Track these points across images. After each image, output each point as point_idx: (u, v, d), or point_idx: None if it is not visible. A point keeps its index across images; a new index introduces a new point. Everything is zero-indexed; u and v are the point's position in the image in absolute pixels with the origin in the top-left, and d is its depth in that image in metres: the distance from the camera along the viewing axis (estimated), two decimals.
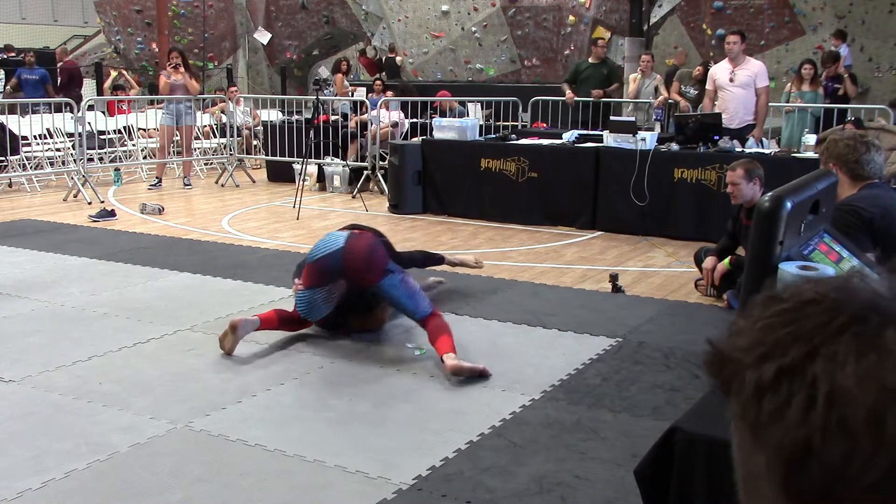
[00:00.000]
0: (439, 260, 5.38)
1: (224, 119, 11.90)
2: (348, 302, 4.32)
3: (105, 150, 11.16)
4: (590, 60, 10.39)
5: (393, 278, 4.19)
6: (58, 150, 10.48)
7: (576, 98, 10.32)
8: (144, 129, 11.78)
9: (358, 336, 4.49)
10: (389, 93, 11.55)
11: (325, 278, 4.20)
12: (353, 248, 4.21)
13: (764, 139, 8.29)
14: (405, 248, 5.58)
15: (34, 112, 10.52)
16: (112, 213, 8.14)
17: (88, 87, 16.79)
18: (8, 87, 13.16)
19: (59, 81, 13.95)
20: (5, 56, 15.02)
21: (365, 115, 10.36)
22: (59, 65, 14.85)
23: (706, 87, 8.17)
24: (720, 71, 7.86)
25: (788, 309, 0.54)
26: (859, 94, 10.46)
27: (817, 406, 0.49)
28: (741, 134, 7.67)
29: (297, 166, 9.79)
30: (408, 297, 4.18)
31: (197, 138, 11.17)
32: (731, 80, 7.72)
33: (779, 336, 0.52)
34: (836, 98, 10.09)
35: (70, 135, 10.24)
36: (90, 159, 10.23)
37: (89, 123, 10.54)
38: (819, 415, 0.49)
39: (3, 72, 15.23)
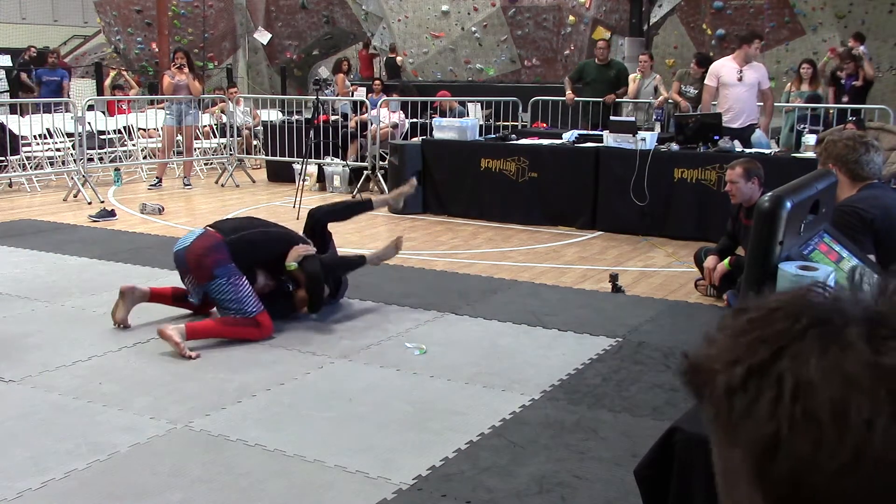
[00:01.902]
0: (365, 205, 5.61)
1: (224, 119, 11.90)
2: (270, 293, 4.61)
3: (105, 150, 11.16)
4: (596, 62, 10.37)
5: (218, 282, 4.36)
6: (58, 150, 10.47)
7: (577, 98, 10.32)
8: (144, 129, 11.78)
9: (358, 336, 4.49)
10: (394, 94, 11.55)
11: (179, 270, 4.54)
12: (193, 248, 4.44)
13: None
14: (405, 247, 5.57)
15: (45, 111, 10.49)
16: (112, 213, 8.14)
17: (88, 87, 16.80)
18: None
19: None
20: (26, 57, 14.98)
21: (365, 115, 10.36)
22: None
23: (706, 82, 8.09)
24: (727, 69, 7.82)
25: (755, 318, 0.57)
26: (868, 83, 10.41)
27: (784, 400, 0.51)
28: (743, 134, 7.66)
29: (297, 166, 9.79)
30: (232, 300, 4.36)
31: (197, 138, 11.17)
32: (740, 79, 7.70)
33: (747, 341, 0.55)
34: (853, 94, 10.05)
35: (70, 135, 10.24)
36: (90, 159, 10.23)
37: (89, 123, 10.54)
38: (786, 407, 0.51)
39: (2, 72, 15.22)
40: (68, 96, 12.04)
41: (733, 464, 0.55)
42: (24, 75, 12.72)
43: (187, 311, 4.82)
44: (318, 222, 5.16)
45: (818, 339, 0.52)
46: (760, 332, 0.55)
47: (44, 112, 10.49)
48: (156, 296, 4.79)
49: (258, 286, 4.52)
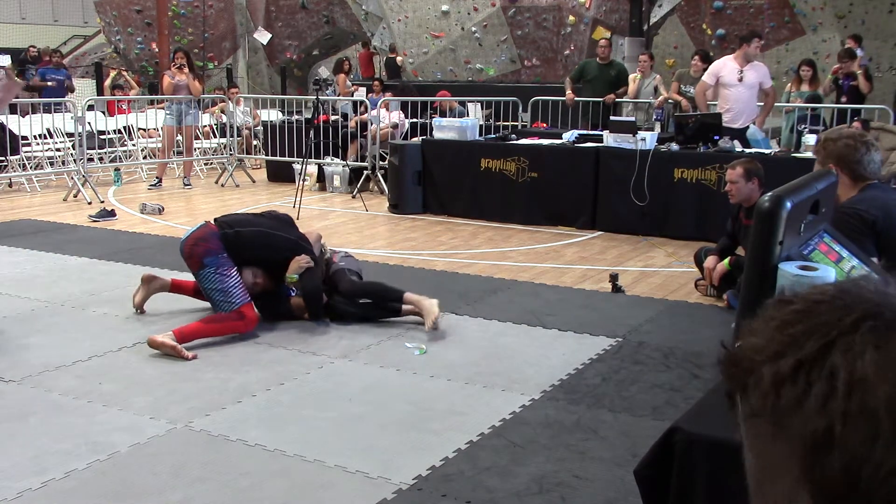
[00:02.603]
0: (396, 301, 4.80)
1: (224, 119, 11.90)
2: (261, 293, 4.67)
3: (105, 150, 11.16)
4: (597, 61, 10.37)
5: (206, 271, 4.43)
6: (58, 150, 10.47)
7: (577, 98, 10.31)
8: (144, 129, 11.78)
9: (358, 336, 4.49)
10: (389, 94, 11.55)
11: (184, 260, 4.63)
12: (189, 238, 4.56)
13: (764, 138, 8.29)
14: (405, 247, 5.56)
15: (45, 111, 10.50)
16: (112, 213, 8.14)
17: (88, 87, 16.80)
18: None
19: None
20: (28, 56, 15.01)
21: (365, 115, 10.36)
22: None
23: (705, 79, 8.04)
24: (727, 69, 7.80)
25: (800, 309, 0.55)
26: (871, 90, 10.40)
27: (837, 394, 0.50)
28: (743, 134, 7.66)
29: (297, 166, 9.80)
30: (218, 290, 4.42)
31: (197, 138, 11.17)
32: (741, 80, 7.69)
33: (793, 332, 0.54)
34: (851, 95, 10.05)
35: (70, 135, 10.24)
36: (90, 159, 10.23)
37: (89, 123, 10.54)
38: (839, 402, 0.50)
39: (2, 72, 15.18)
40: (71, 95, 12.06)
41: (777, 459, 0.53)
42: (36, 79, 12.72)
43: (206, 304, 4.76)
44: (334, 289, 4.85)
45: (871, 332, 0.51)
46: (807, 323, 0.54)
47: (44, 112, 10.49)
48: (176, 287, 4.97)
49: (246, 283, 4.53)
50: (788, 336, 0.54)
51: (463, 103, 11.73)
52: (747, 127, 7.74)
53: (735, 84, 7.70)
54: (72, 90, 12.54)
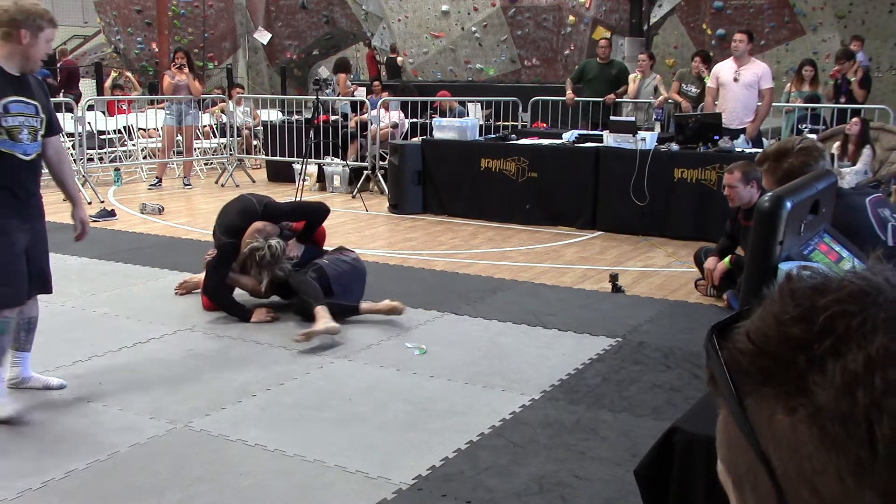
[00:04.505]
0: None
1: (224, 119, 11.90)
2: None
3: (105, 150, 11.16)
4: (597, 61, 10.38)
5: None
6: None
7: (577, 98, 10.31)
8: (144, 129, 11.78)
9: (358, 336, 4.49)
10: (387, 94, 11.54)
11: None
12: None
13: (764, 139, 8.28)
14: (405, 248, 5.56)
15: None
16: (112, 213, 8.14)
17: (88, 87, 16.79)
18: None
19: (58, 80, 13.97)
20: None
21: (365, 115, 10.36)
22: (58, 64, 14.87)
23: (708, 84, 8.11)
24: (724, 69, 7.82)
25: (833, 298, 0.53)
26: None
27: (880, 377, 0.48)
28: (739, 135, 7.65)
29: (297, 166, 9.80)
30: None
31: (197, 138, 11.17)
32: (736, 80, 7.69)
33: (827, 315, 0.51)
34: (850, 96, 10.06)
35: (70, 135, 10.24)
36: (90, 159, 10.23)
37: (89, 123, 10.54)
38: (884, 386, 0.48)
39: None
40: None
41: (821, 462, 0.50)
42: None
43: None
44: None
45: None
46: (838, 307, 0.51)
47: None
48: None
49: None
50: (821, 322, 0.51)
51: (463, 103, 11.73)
52: (744, 128, 7.73)
53: (730, 84, 7.71)
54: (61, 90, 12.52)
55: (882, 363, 0.49)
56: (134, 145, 11.67)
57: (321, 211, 5.11)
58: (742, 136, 7.61)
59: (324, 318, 4.39)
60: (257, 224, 4.79)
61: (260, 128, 11.85)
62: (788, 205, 1.79)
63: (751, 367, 0.54)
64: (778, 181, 2.72)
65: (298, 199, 4.83)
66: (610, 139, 7.74)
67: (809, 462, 0.51)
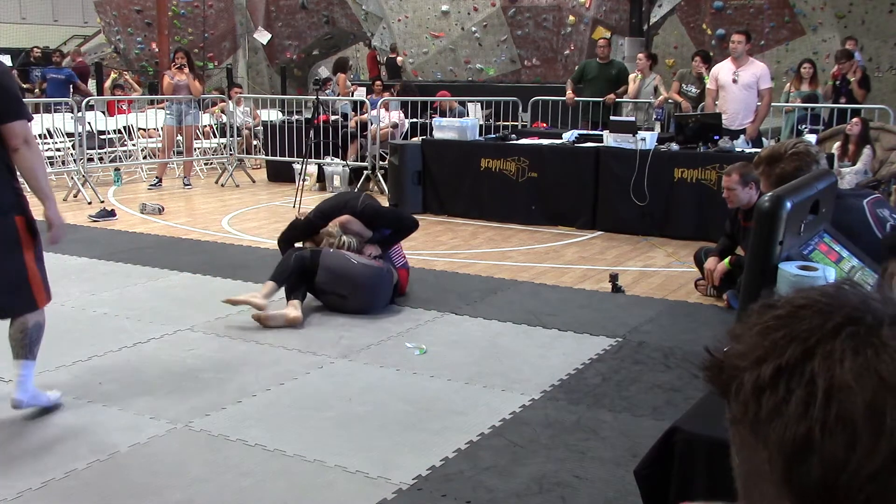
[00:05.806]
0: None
1: (224, 119, 11.90)
2: None
3: (105, 150, 11.15)
4: (597, 60, 10.38)
5: None
6: (58, 150, 10.46)
7: (577, 98, 10.31)
8: (144, 129, 11.78)
9: (358, 336, 4.49)
10: (386, 94, 11.54)
11: None
12: None
13: (764, 140, 8.28)
14: (405, 247, 5.57)
15: (56, 111, 10.50)
16: (112, 213, 8.14)
17: (89, 87, 16.79)
18: (36, 89, 13.36)
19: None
20: (32, 57, 15.08)
21: (365, 115, 10.36)
22: (64, 62, 14.92)
23: (708, 86, 8.12)
24: (723, 70, 7.82)
25: (782, 315, 0.55)
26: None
27: (816, 401, 0.50)
28: (738, 136, 7.65)
29: (297, 166, 9.80)
30: None
31: (197, 138, 11.17)
32: (735, 81, 7.68)
33: (775, 338, 0.53)
34: (850, 96, 10.06)
35: (70, 135, 10.24)
36: (90, 159, 10.23)
37: (89, 123, 10.54)
38: (818, 409, 0.50)
39: None
40: (73, 94, 12.08)
41: (757, 465, 0.53)
42: (39, 84, 12.83)
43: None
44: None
45: (851, 338, 0.51)
46: (789, 329, 0.53)
47: (44, 112, 10.49)
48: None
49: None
50: (770, 342, 0.54)
51: (463, 103, 11.72)
52: (744, 129, 7.73)
53: (729, 84, 7.71)
54: (82, 91, 12.61)
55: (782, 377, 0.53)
56: (134, 145, 11.66)
57: (413, 226, 5.36)
58: (742, 137, 7.61)
59: (259, 294, 4.65)
60: (344, 217, 5.08)
61: (260, 128, 11.85)
62: (788, 205, 1.79)
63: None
64: (772, 185, 2.70)
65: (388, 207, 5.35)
66: (610, 139, 7.74)
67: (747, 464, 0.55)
